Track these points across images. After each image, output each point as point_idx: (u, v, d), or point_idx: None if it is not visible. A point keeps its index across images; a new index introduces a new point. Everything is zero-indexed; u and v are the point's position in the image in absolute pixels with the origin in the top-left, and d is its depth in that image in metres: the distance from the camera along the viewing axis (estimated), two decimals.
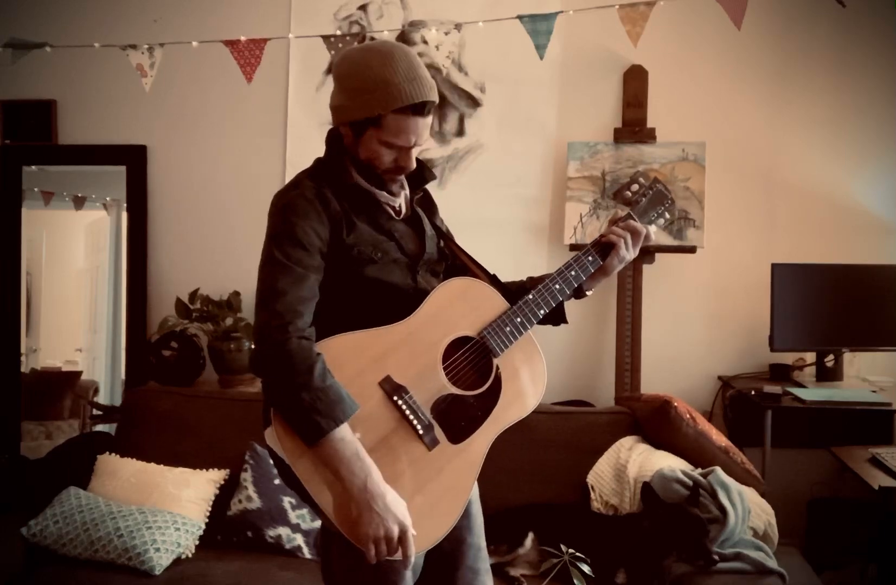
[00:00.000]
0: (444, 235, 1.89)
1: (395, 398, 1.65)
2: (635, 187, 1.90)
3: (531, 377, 1.82)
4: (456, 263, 1.91)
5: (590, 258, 1.85)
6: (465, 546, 1.84)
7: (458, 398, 1.72)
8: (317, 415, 1.52)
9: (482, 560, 1.88)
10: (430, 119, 1.69)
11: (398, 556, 1.58)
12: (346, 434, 1.55)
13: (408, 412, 1.65)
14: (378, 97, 1.64)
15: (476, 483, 1.76)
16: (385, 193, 1.77)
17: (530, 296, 1.79)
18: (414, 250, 1.79)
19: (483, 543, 1.89)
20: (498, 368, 1.77)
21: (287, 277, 1.60)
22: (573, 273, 1.83)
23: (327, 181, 1.72)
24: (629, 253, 1.86)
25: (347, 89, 1.68)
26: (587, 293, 1.89)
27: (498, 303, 1.79)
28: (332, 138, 1.79)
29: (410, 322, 1.70)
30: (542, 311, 1.79)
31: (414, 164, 1.73)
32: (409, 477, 1.64)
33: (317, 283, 1.65)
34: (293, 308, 1.58)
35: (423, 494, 1.65)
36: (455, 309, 1.75)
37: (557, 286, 1.81)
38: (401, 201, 1.82)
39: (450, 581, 1.83)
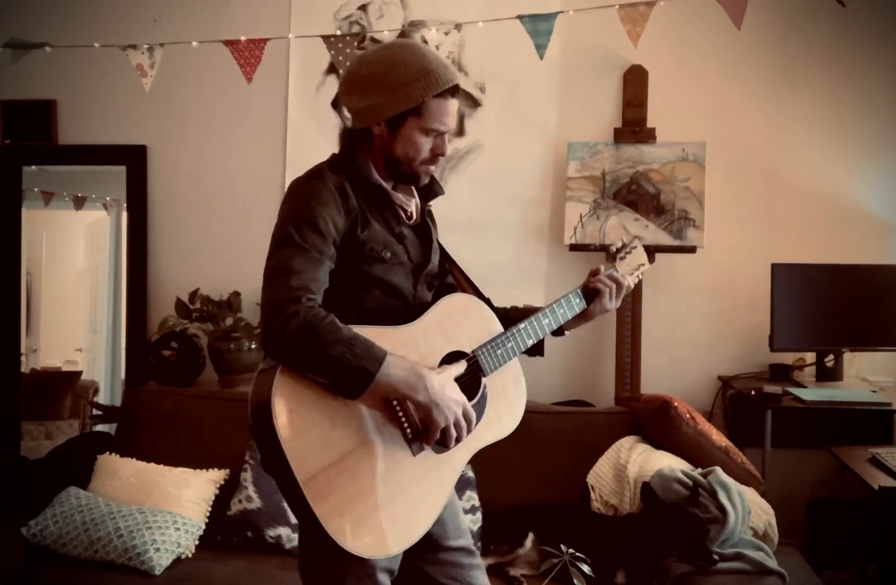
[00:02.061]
0: (445, 252, 1.93)
1: (394, 401, 1.66)
2: (619, 244, 2.06)
3: (513, 401, 1.89)
4: (446, 281, 1.94)
5: (577, 300, 1.95)
6: (442, 550, 1.86)
7: None
8: (360, 362, 1.54)
9: (467, 555, 1.91)
10: (458, 101, 1.78)
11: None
12: (387, 363, 1.57)
13: (401, 414, 1.66)
14: (421, 86, 1.69)
15: (453, 490, 1.79)
16: (401, 195, 1.81)
17: (522, 325, 1.86)
18: (418, 258, 1.83)
19: (464, 542, 1.91)
20: (485, 387, 1.81)
21: (303, 258, 1.61)
22: (561, 311, 1.93)
23: (348, 176, 1.74)
24: (612, 302, 1.97)
25: (382, 86, 1.70)
26: (566, 332, 2.00)
27: (494, 326, 1.86)
28: (350, 137, 1.81)
29: (415, 327, 1.73)
30: (530, 341, 1.88)
31: (449, 149, 1.80)
32: (392, 479, 1.65)
33: (328, 272, 1.66)
34: (307, 286, 1.59)
35: (401, 498, 1.66)
36: (456, 323, 1.80)
37: (546, 320, 1.90)
38: (412, 207, 1.85)
39: (432, 576, 1.86)
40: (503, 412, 1.86)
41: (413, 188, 1.86)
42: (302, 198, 1.68)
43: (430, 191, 1.88)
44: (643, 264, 2.10)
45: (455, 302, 1.82)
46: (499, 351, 1.81)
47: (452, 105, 1.75)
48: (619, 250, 2.06)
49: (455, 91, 1.75)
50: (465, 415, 1.67)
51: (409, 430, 1.67)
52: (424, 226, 1.88)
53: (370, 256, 1.72)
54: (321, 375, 1.57)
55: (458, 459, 1.77)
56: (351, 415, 1.61)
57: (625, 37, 2.97)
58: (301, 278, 1.59)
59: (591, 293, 1.96)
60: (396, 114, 1.72)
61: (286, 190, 1.74)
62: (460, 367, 1.73)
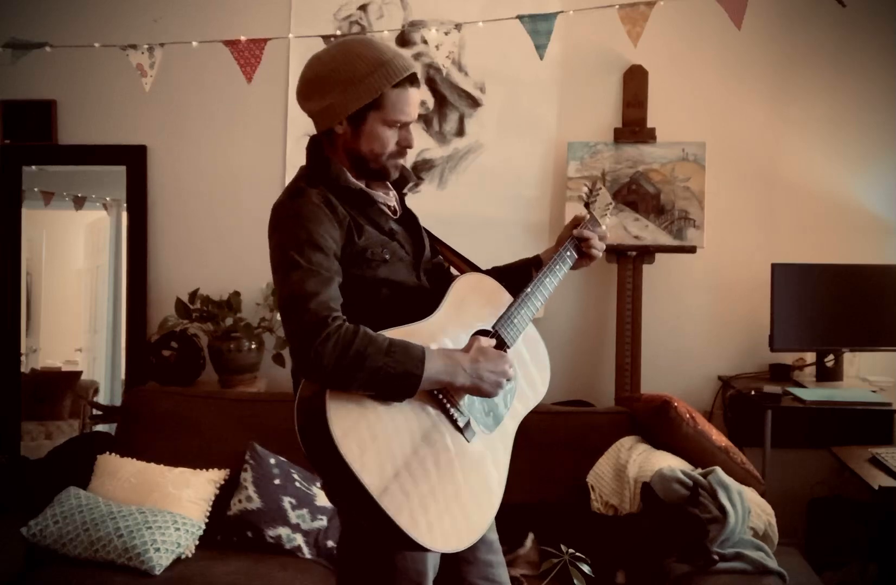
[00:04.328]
0: (429, 233, 1.94)
1: (436, 392, 1.67)
2: (586, 190, 2.09)
3: (538, 364, 1.93)
4: (435, 260, 1.94)
5: (568, 253, 1.97)
6: (479, 540, 1.85)
7: None
8: (404, 367, 1.56)
9: (495, 553, 1.92)
10: (419, 90, 1.78)
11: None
12: (427, 359, 1.59)
13: (448, 406, 1.68)
14: (378, 77, 1.69)
15: None
16: (380, 193, 1.82)
17: (528, 289, 1.87)
18: (413, 250, 1.84)
19: (495, 536, 1.93)
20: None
21: (314, 280, 1.61)
22: (558, 267, 1.95)
23: (327, 187, 1.73)
24: (598, 250, 1.99)
25: (339, 83, 1.70)
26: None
27: (503, 296, 1.89)
28: (315, 146, 1.81)
29: (436, 318, 1.74)
30: (538, 303, 1.89)
31: (415, 141, 1.79)
32: (456, 470, 1.66)
33: (338, 286, 1.66)
34: (327, 305, 1.60)
35: (471, 484, 1.68)
36: (471, 304, 1.82)
37: (548, 279, 1.92)
38: (393, 201, 1.86)
39: (463, 575, 1.86)
40: (533, 376, 1.89)
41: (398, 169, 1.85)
42: (293, 221, 1.67)
43: (402, 179, 1.88)
44: (610, 203, 2.15)
45: (465, 283, 1.84)
46: (515, 320, 1.83)
47: (413, 94, 1.75)
48: (589, 195, 2.09)
49: (413, 80, 1.74)
50: (505, 375, 1.71)
51: (459, 420, 1.69)
52: (409, 216, 1.89)
53: (373, 260, 1.73)
54: (369, 389, 1.57)
55: (507, 435, 1.80)
56: (403, 419, 1.62)
57: (625, 37, 2.97)
58: (318, 300, 1.59)
59: (578, 243, 1.98)
60: (357, 110, 1.71)
61: (272, 214, 1.72)
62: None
